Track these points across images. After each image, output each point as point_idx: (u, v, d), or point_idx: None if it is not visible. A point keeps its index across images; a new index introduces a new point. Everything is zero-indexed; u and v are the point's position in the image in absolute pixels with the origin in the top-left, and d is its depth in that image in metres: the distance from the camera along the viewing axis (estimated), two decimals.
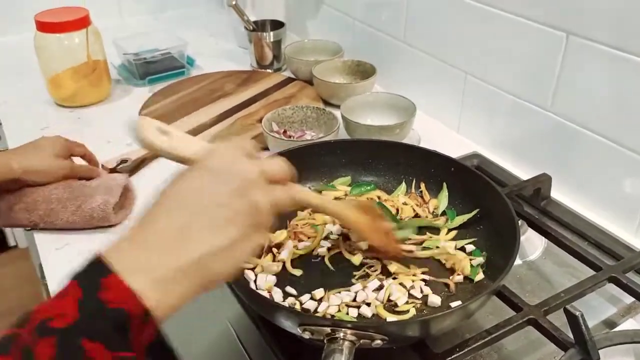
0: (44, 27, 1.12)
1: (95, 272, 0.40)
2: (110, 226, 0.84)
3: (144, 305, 0.39)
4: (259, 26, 1.36)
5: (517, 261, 0.78)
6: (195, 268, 0.43)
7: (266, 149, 1.00)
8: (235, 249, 0.45)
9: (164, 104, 1.19)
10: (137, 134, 0.52)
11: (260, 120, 1.07)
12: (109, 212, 0.83)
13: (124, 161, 0.96)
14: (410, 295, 0.67)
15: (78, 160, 0.90)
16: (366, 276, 0.69)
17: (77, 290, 0.39)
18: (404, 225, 0.76)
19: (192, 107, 1.18)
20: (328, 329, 0.54)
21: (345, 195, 0.83)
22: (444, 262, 0.71)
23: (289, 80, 1.28)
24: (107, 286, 0.39)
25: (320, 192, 0.83)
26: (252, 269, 0.70)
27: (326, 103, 1.19)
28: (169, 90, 1.25)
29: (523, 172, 0.94)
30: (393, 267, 0.69)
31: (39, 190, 0.82)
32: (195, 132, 1.08)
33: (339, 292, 0.67)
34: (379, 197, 0.82)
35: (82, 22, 1.14)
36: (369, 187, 0.84)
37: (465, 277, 0.69)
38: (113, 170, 0.95)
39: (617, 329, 0.68)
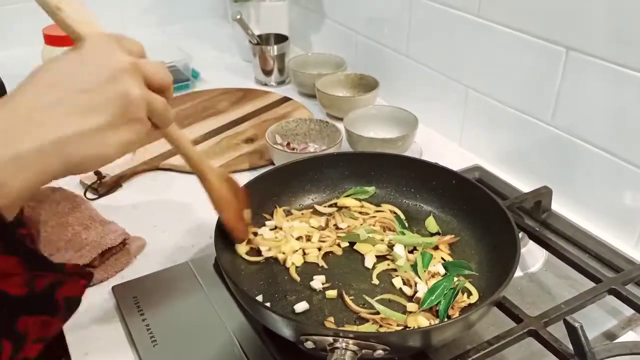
0: (52, 40, 1.14)
1: None
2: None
3: None
4: (263, 40, 1.38)
5: (518, 273, 0.79)
6: (54, 148, 0.42)
7: (271, 163, 1.02)
8: (102, 136, 0.44)
9: None
10: None
11: (247, 141, 1.10)
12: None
13: (101, 177, 0.95)
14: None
15: None
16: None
17: None
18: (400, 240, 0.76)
19: (181, 124, 1.16)
20: (330, 339, 0.55)
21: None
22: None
23: (283, 100, 1.28)
24: None
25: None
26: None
27: (329, 116, 1.20)
28: None
29: (524, 185, 0.95)
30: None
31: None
32: None
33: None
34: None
35: None
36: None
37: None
38: (88, 188, 0.93)
39: (617, 340, 0.69)
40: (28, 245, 0.43)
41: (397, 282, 0.71)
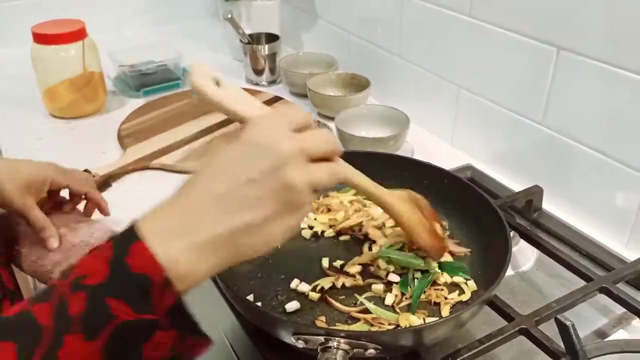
0: (40, 38, 1.13)
1: (127, 237, 0.42)
2: None
3: (164, 274, 0.41)
4: (254, 39, 1.38)
5: (510, 272, 0.79)
6: (224, 241, 0.44)
7: None
8: (267, 227, 0.45)
9: (146, 119, 1.18)
10: (189, 79, 0.51)
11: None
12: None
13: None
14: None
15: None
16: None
17: (109, 252, 0.42)
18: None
19: (173, 123, 1.16)
20: (322, 338, 0.55)
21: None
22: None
23: (275, 99, 1.28)
24: (133, 252, 0.41)
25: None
26: None
27: (321, 115, 1.20)
28: (155, 104, 1.24)
29: (516, 184, 0.95)
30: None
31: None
32: (170, 148, 1.07)
33: None
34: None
35: (78, 34, 1.14)
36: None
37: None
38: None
39: (608, 339, 0.69)
40: (194, 321, 0.45)
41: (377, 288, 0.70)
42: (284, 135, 0.46)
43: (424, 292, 0.68)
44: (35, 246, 0.74)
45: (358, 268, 0.73)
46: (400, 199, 0.67)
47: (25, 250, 0.73)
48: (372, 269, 0.73)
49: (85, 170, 0.94)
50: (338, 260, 0.74)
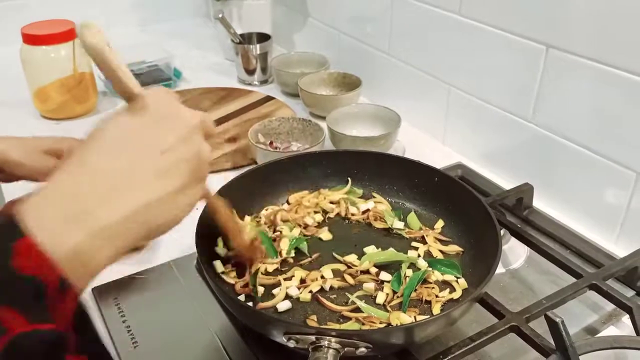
0: (30, 39, 1.13)
1: (8, 234, 0.35)
2: None
3: (59, 274, 0.35)
4: (246, 39, 1.37)
5: (501, 270, 0.79)
6: (137, 217, 0.40)
7: (254, 162, 1.01)
8: (177, 198, 0.43)
9: None
10: (82, 34, 0.43)
11: (230, 140, 1.10)
12: None
13: None
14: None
15: None
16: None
17: None
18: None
19: None
20: (313, 337, 0.55)
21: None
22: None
23: (267, 99, 1.28)
24: (18, 251, 0.34)
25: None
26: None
27: (312, 115, 1.20)
28: None
29: (506, 182, 0.96)
30: None
31: None
32: None
33: None
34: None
35: (68, 35, 1.14)
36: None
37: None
38: None
39: (598, 335, 0.69)
40: (100, 342, 0.41)
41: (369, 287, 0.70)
42: (185, 109, 0.46)
43: (415, 290, 0.68)
44: None
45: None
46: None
47: None
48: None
49: None
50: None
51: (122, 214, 0.39)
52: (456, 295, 0.69)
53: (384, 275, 0.71)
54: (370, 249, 0.75)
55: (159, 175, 0.41)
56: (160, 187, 0.41)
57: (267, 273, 0.72)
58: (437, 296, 0.68)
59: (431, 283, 0.70)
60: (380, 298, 0.68)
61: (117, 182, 0.39)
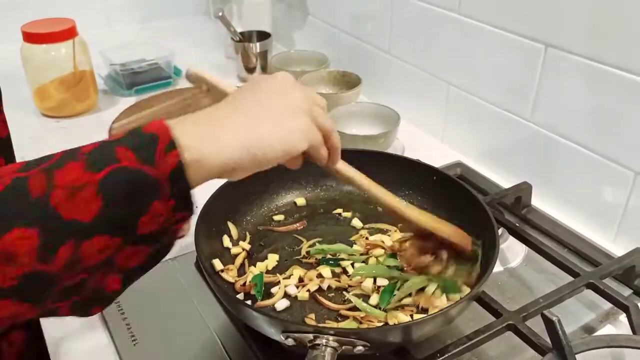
0: (30, 38, 1.13)
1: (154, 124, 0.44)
2: None
3: (171, 135, 0.43)
4: (246, 37, 1.37)
5: (499, 268, 0.79)
6: (245, 134, 0.48)
7: None
8: (290, 137, 0.50)
9: (137, 118, 1.17)
10: (187, 71, 0.65)
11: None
12: None
13: None
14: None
15: None
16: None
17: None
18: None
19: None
20: (310, 336, 0.55)
21: None
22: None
23: None
24: (150, 125, 0.43)
25: None
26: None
27: None
28: (146, 103, 1.23)
29: (505, 181, 0.96)
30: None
31: None
32: None
33: None
34: None
35: (68, 33, 1.14)
36: None
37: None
38: None
39: (595, 334, 0.69)
40: (190, 194, 0.45)
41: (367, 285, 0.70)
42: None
43: (410, 295, 0.68)
44: None
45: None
46: (403, 204, 0.67)
47: None
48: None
49: None
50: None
51: (233, 128, 0.48)
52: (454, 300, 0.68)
53: (381, 281, 0.71)
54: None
55: (289, 117, 0.51)
56: (288, 124, 0.51)
57: (266, 271, 0.73)
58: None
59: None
60: (374, 300, 0.68)
61: (257, 117, 0.50)
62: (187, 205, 0.44)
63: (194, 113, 0.49)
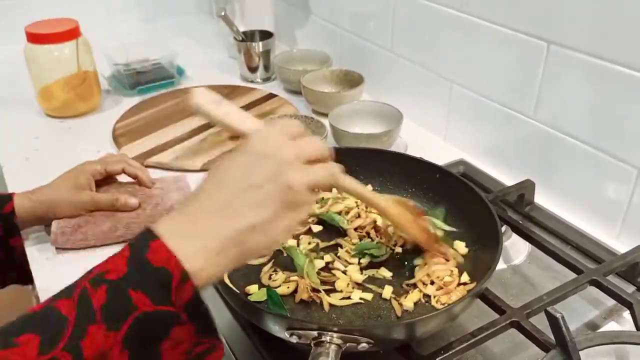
0: (34, 38, 1.13)
1: (145, 237, 0.45)
2: None
3: (182, 267, 0.44)
4: (248, 36, 1.38)
5: (502, 265, 0.80)
6: (233, 242, 0.47)
7: None
8: (271, 226, 0.49)
9: (141, 117, 1.19)
10: (190, 100, 0.57)
11: (232, 138, 1.09)
12: None
13: None
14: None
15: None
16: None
17: (127, 251, 0.45)
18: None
19: (167, 121, 1.16)
20: (315, 333, 0.55)
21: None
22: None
23: (270, 96, 1.28)
24: (153, 248, 0.44)
25: None
26: None
27: (315, 112, 1.20)
28: (149, 103, 1.25)
29: (508, 178, 0.96)
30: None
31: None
32: (165, 147, 1.07)
33: None
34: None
35: (72, 33, 1.15)
36: None
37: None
38: None
39: (598, 331, 0.70)
40: (210, 316, 0.46)
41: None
42: (282, 143, 0.52)
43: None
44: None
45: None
46: (392, 202, 0.70)
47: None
48: None
49: None
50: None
51: (218, 237, 0.47)
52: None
53: (384, 271, 0.72)
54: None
55: (251, 209, 0.49)
56: (251, 218, 0.48)
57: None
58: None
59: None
60: (387, 292, 0.69)
61: (217, 214, 0.48)
62: (208, 325, 0.45)
63: (175, 215, 0.48)
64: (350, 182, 0.63)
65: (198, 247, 0.46)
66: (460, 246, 0.75)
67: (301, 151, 0.52)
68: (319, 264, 0.72)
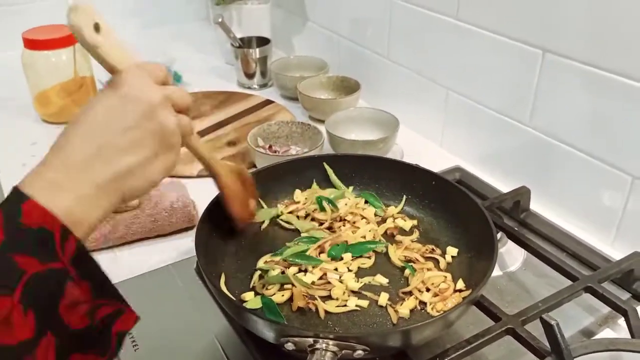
0: (31, 44, 1.13)
1: (16, 200, 0.44)
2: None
3: (61, 222, 0.43)
4: (245, 43, 1.38)
5: (498, 272, 0.80)
6: (111, 186, 0.48)
7: (253, 165, 1.02)
8: (148, 167, 0.50)
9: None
10: (70, 19, 0.51)
11: (229, 143, 1.10)
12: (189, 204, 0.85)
13: None
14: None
15: None
16: None
17: (1, 217, 0.43)
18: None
19: None
20: (310, 340, 0.55)
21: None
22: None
23: (266, 103, 1.29)
24: (25, 211, 0.43)
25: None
26: None
27: (311, 118, 1.21)
28: None
29: (503, 185, 0.96)
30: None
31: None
32: None
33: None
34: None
35: (69, 40, 1.15)
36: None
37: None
38: None
39: (593, 338, 0.70)
40: (101, 271, 0.46)
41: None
42: (150, 86, 0.52)
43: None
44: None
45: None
46: (228, 170, 0.71)
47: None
48: None
49: None
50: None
51: (95, 184, 0.47)
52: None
53: (380, 278, 0.72)
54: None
55: (126, 150, 0.49)
56: (127, 160, 0.49)
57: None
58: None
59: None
60: (383, 299, 0.69)
61: (91, 158, 0.47)
62: (104, 284, 0.45)
63: (41, 164, 0.47)
64: (196, 138, 0.63)
65: (72, 198, 0.45)
66: (453, 251, 0.76)
67: (170, 95, 0.53)
68: (311, 277, 0.71)
